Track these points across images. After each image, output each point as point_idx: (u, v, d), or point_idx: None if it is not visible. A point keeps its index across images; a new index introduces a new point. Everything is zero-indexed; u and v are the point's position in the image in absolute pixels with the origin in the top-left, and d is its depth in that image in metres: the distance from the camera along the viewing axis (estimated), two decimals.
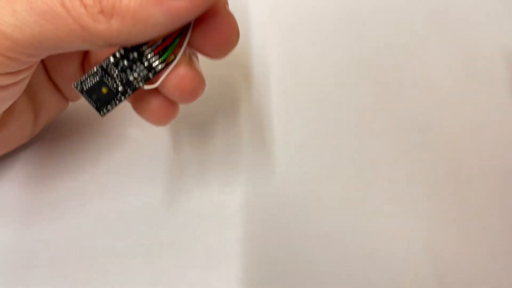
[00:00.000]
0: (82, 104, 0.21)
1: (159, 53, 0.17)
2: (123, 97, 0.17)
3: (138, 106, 0.19)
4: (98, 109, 0.17)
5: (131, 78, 0.17)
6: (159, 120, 0.19)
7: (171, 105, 0.19)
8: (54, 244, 0.23)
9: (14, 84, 0.18)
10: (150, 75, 0.17)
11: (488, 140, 0.27)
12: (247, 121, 0.27)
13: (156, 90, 0.18)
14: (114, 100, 0.17)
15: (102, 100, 0.17)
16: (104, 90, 0.17)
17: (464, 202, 0.24)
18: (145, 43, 0.17)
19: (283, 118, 0.27)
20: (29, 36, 0.15)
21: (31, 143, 0.26)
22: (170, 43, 0.16)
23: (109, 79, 0.17)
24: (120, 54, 0.17)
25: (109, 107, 0.17)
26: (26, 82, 0.19)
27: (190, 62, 0.18)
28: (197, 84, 0.18)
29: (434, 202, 0.24)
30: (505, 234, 0.23)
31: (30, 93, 0.22)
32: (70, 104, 0.26)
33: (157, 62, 0.17)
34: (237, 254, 0.23)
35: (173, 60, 0.17)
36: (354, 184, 0.25)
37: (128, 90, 0.17)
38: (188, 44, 0.17)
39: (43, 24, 0.15)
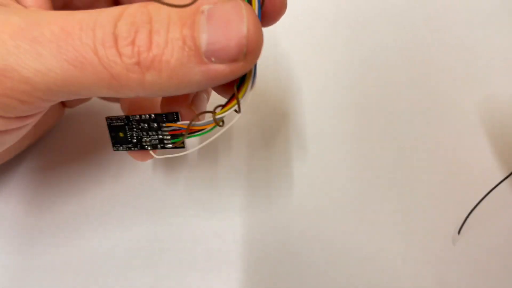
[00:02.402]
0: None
1: (173, 136, 0.19)
2: (133, 148, 0.20)
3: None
4: (112, 144, 0.20)
5: (144, 139, 0.19)
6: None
7: None
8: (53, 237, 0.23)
9: (18, 128, 0.17)
10: (159, 146, 0.19)
11: (488, 140, 0.26)
12: (244, 120, 0.27)
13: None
14: (126, 145, 0.20)
15: (118, 140, 0.20)
16: (121, 134, 0.20)
17: (465, 202, 0.24)
18: (167, 121, 0.18)
19: (283, 118, 0.27)
20: (51, 82, 0.14)
21: (29, 155, 0.26)
22: (184, 134, 0.18)
23: (128, 130, 0.19)
24: (145, 118, 0.19)
25: (120, 148, 0.20)
26: (30, 127, 0.18)
27: None
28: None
29: (434, 202, 0.24)
30: (505, 234, 0.23)
31: None
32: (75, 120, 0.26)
33: (168, 142, 0.19)
34: (237, 256, 0.23)
35: (181, 147, 0.19)
36: (354, 184, 0.25)
37: (138, 146, 0.20)
38: None
39: (69, 70, 0.14)
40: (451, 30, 0.31)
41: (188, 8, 0.14)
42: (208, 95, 0.22)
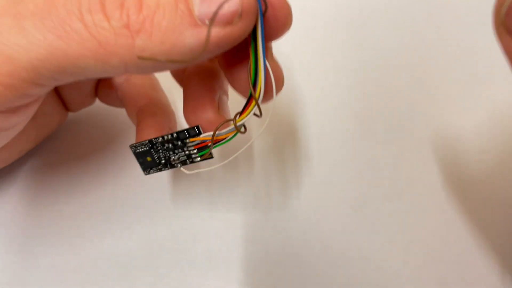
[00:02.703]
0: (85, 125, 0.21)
1: (199, 149, 0.19)
2: (163, 169, 0.20)
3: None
4: (143, 169, 0.20)
5: (172, 158, 0.19)
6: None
7: None
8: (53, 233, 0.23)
9: (11, 128, 0.16)
10: (188, 162, 0.19)
11: (489, 140, 0.26)
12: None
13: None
14: (156, 168, 0.20)
15: (147, 164, 0.20)
16: (148, 158, 0.20)
17: (465, 202, 0.24)
18: (190, 136, 0.18)
19: (283, 118, 0.27)
20: (34, 57, 0.13)
21: (31, 158, 0.26)
22: (210, 145, 0.18)
23: (154, 152, 0.19)
24: (168, 138, 0.19)
25: (151, 171, 0.20)
26: (21, 126, 0.17)
27: None
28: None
29: (434, 202, 0.24)
30: (505, 234, 0.23)
31: None
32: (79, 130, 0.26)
33: (195, 156, 0.19)
34: (237, 256, 0.23)
35: (209, 158, 0.19)
36: (354, 184, 0.25)
37: (168, 166, 0.20)
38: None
39: (53, 41, 0.13)
40: (452, 29, 0.31)
41: None
42: (227, 96, 0.21)
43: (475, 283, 0.22)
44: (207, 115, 0.18)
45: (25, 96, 0.15)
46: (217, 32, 0.14)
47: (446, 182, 0.25)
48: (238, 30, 0.14)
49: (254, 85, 0.16)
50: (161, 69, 0.16)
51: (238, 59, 0.17)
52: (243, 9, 0.14)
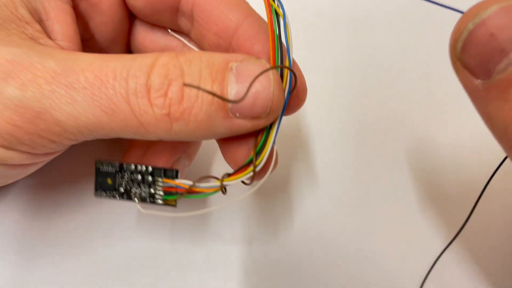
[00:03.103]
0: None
1: (166, 193, 0.17)
2: (118, 197, 0.18)
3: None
4: (95, 189, 0.18)
5: (133, 190, 0.18)
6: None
7: None
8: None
9: (35, 164, 0.18)
10: (147, 200, 0.18)
11: (489, 141, 0.26)
12: None
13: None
14: (111, 192, 0.18)
15: (103, 186, 0.18)
16: (109, 181, 0.18)
17: (464, 202, 0.24)
18: (165, 177, 0.17)
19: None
20: (82, 125, 0.15)
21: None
22: (180, 192, 0.17)
23: (119, 177, 0.18)
24: (141, 170, 0.18)
25: (103, 194, 0.18)
26: (45, 162, 0.19)
27: None
28: None
29: (434, 202, 0.25)
30: (505, 234, 0.23)
31: None
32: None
33: (159, 197, 0.18)
34: (236, 256, 0.23)
35: (172, 205, 0.17)
36: (354, 185, 0.25)
37: (125, 196, 0.18)
38: None
39: (101, 116, 0.15)
40: (452, 29, 0.31)
41: (217, 63, 0.16)
42: (190, 161, 0.22)
43: (474, 283, 0.22)
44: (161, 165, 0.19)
45: (65, 147, 0.17)
46: (244, 123, 0.16)
47: (446, 182, 0.25)
48: (263, 123, 0.16)
49: (256, 156, 0.17)
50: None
51: (237, 136, 0.18)
52: (272, 108, 0.16)
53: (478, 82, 0.13)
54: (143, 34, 0.21)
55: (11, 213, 0.23)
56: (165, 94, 0.15)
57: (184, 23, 0.20)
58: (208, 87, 0.15)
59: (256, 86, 0.15)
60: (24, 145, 0.15)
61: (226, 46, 0.18)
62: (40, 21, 0.17)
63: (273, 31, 0.16)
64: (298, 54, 0.29)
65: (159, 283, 0.23)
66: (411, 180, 0.26)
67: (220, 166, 0.26)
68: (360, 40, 0.30)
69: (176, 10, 0.19)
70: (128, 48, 0.22)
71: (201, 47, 0.20)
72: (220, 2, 0.18)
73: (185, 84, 0.15)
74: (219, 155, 0.25)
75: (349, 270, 0.23)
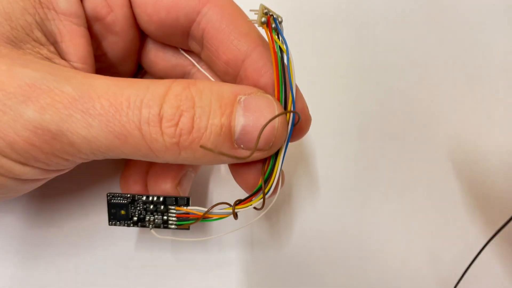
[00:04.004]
0: None
1: (179, 219, 0.18)
2: (132, 225, 0.19)
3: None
4: (109, 219, 0.19)
5: (147, 218, 0.19)
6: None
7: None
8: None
9: (46, 179, 0.18)
10: (162, 226, 0.19)
11: (489, 140, 0.27)
12: None
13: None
14: (125, 222, 0.19)
15: (117, 216, 0.19)
16: (122, 212, 0.19)
17: (465, 202, 0.25)
18: (177, 205, 0.18)
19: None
20: (95, 148, 0.16)
21: None
22: (197, 219, 0.18)
23: (132, 208, 0.19)
24: (153, 200, 0.19)
25: (117, 223, 0.19)
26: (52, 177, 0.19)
27: None
28: None
29: (434, 202, 0.25)
30: (505, 234, 0.23)
31: None
32: None
33: (173, 223, 0.19)
34: (236, 256, 0.23)
35: (186, 229, 0.19)
36: (355, 183, 0.26)
37: (139, 224, 0.19)
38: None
39: (113, 141, 0.16)
40: (453, 30, 0.30)
41: (226, 96, 0.16)
42: (196, 172, 0.23)
43: (475, 283, 0.23)
44: (165, 187, 0.20)
45: (75, 165, 0.18)
46: (247, 155, 0.16)
47: (445, 183, 0.25)
48: (267, 154, 0.17)
49: (265, 182, 0.18)
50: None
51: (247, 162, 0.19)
52: (275, 141, 0.17)
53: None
54: (154, 52, 0.22)
55: (11, 213, 0.23)
56: (176, 124, 0.16)
57: (194, 45, 0.20)
58: (217, 119, 0.16)
59: (261, 121, 0.16)
60: (39, 162, 0.16)
61: (234, 74, 0.19)
62: (54, 43, 0.18)
63: (277, 68, 0.17)
64: (299, 54, 0.30)
65: (159, 283, 0.23)
66: (411, 181, 0.26)
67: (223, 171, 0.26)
68: (361, 41, 0.30)
69: (187, 34, 0.20)
70: (138, 63, 0.23)
71: (211, 67, 0.21)
72: (230, 31, 0.18)
73: (201, 146, 0.16)
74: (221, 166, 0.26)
75: (349, 270, 0.23)
